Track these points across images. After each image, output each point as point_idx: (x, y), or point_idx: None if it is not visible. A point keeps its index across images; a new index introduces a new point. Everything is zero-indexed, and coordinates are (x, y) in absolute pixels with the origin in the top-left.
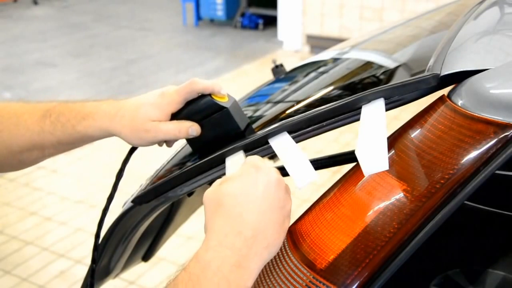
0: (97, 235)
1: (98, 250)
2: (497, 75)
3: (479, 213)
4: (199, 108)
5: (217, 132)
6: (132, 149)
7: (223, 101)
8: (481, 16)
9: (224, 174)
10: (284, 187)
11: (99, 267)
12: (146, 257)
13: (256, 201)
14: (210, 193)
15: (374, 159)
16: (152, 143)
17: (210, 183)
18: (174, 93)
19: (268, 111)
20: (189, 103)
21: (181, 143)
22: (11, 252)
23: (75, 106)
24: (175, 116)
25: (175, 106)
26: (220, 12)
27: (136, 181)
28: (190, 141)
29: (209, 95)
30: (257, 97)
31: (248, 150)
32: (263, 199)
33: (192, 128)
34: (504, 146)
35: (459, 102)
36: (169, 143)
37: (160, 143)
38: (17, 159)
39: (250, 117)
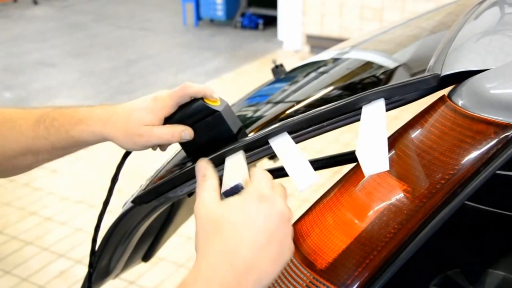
0: (94, 240)
1: (96, 254)
2: (498, 75)
3: (479, 213)
4: (192, 112)
5: (210, 136)
6: (126, 154)
7: (215, 105)
8: (481, 16)
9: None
10: (287, 218)
11: (99, 267)
12: (146, 257)
13: (254, 234)
14: (206, 211)
15: (375, 159)
16: (145, 147)
17: None
18: (167, 97)
19: (268, 111)
20: (181, 107)
21: (178, 146)
22: (11, 252)
23: (68, 111)
24: (168, 120)
25: (167, 110)
26: (220, 12)
27: (136, 181)
28: (183, 144)
29: (201, 98)
30: (257, 97)
31: (248, 150)
32: (262, 232)
33: (185, 132)
34: (504, 146)
35: (460, 102)
36: (162, 147)
37: (153, 147)
38: (11, 164)
39: (250, 117)
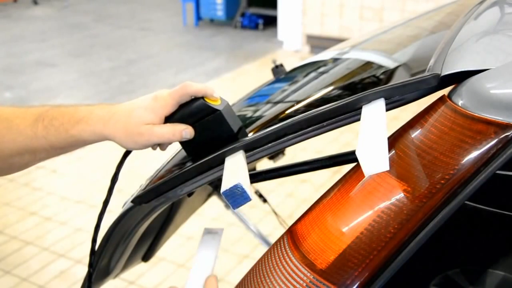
0: (94, 240)
1: (96, 254)
2: (498, 75)
3: (479, 213)
4: (192, 111)
5: (210, 135)
6: (126, 153)
7: (215, 104)
8: (481, 16)
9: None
10: None
11: (99, 267)
12: (146, 257)
13: None
14: None
15: (375, 159)
16: (146, 147)
17: (210, 183)
18: (167, 96)
19: (268, 111)
20: (182, 106)
21: (177, 145)
22: (11, 252)
23: (68, 110)
24: (168, 119)
25: (168, 109)
26: (220, 12)
27: (136, 181)
28: (183, 144)
29: (202, 98)
30: (257, 97)
31: (248, 150)
32: None
33: (186, 131)
34: (504, 146)
35: (460, 102)
36: (162, 146)
37: (153, 146)
38: (8, 163)
39: (250, 117)
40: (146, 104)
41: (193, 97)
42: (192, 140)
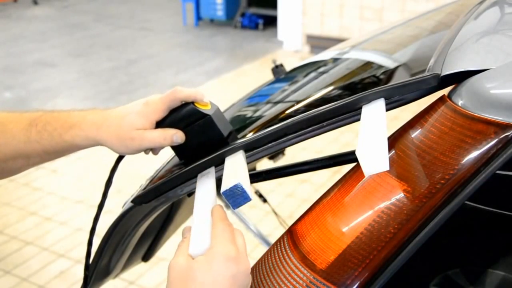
0: (89, 243)
1: (95, 254)
2: (498, 75)
3: (479, 213)
4: (183, 116)
5: (201, 139)
6: (119, 158)
7: (205, 109)
8: (481, 16)
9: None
10: (249, 273)
11: (99, 267)
12: (146, 257)
13: None
14: (179, 266)
15: (375, 159)
16: (138, 151)
17: None
18: (158, 101)
19: (268, 111)
20: (173, 111)
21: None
22: (11, 252)
23: (61, 115)
24: (159, 124)
25: (159, 114)
26: (220, 12)
27: (136, 181)
28: (175, 148)
29: (192, 103)
30: (257, 97)
31: (248, 150)
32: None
33: (177, 136)
34: (504, 146)
35: (460, 102)
36: (154, 150)
37: (146, 151)
38: (1, 167)
39: (249, 117)
40: (138, 110)
41: (183, 102)
42: (183, 144)
